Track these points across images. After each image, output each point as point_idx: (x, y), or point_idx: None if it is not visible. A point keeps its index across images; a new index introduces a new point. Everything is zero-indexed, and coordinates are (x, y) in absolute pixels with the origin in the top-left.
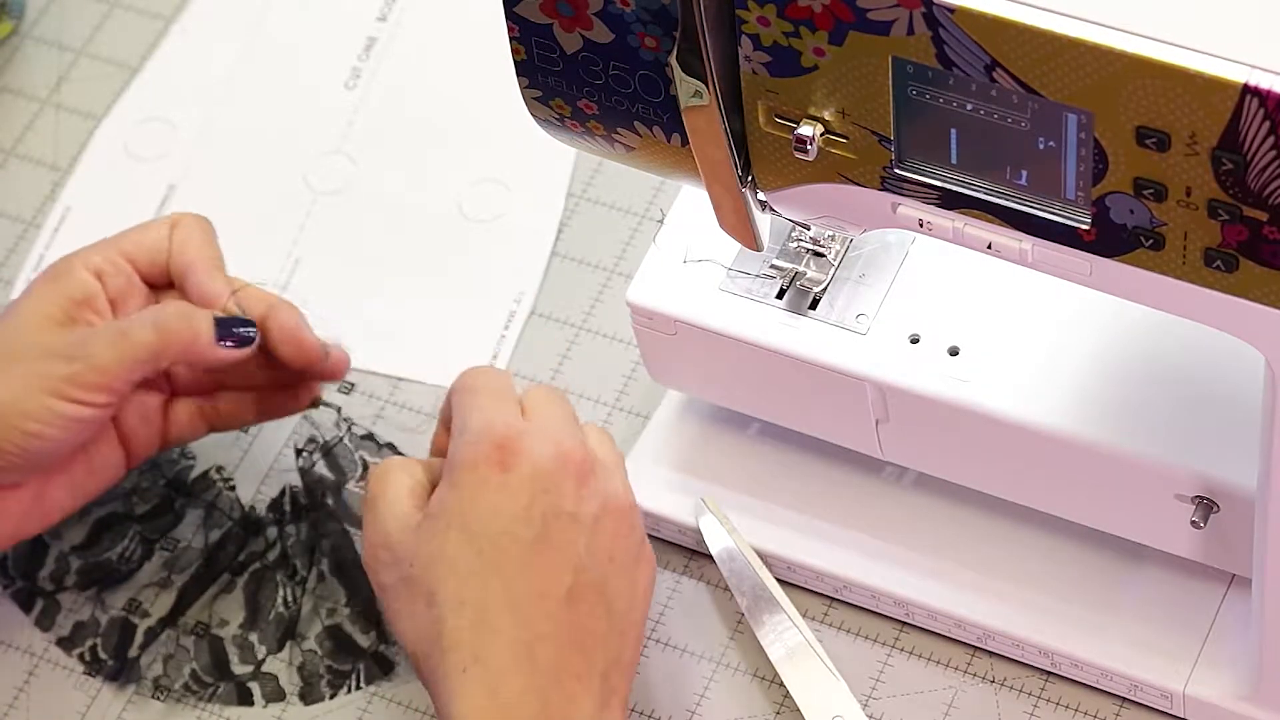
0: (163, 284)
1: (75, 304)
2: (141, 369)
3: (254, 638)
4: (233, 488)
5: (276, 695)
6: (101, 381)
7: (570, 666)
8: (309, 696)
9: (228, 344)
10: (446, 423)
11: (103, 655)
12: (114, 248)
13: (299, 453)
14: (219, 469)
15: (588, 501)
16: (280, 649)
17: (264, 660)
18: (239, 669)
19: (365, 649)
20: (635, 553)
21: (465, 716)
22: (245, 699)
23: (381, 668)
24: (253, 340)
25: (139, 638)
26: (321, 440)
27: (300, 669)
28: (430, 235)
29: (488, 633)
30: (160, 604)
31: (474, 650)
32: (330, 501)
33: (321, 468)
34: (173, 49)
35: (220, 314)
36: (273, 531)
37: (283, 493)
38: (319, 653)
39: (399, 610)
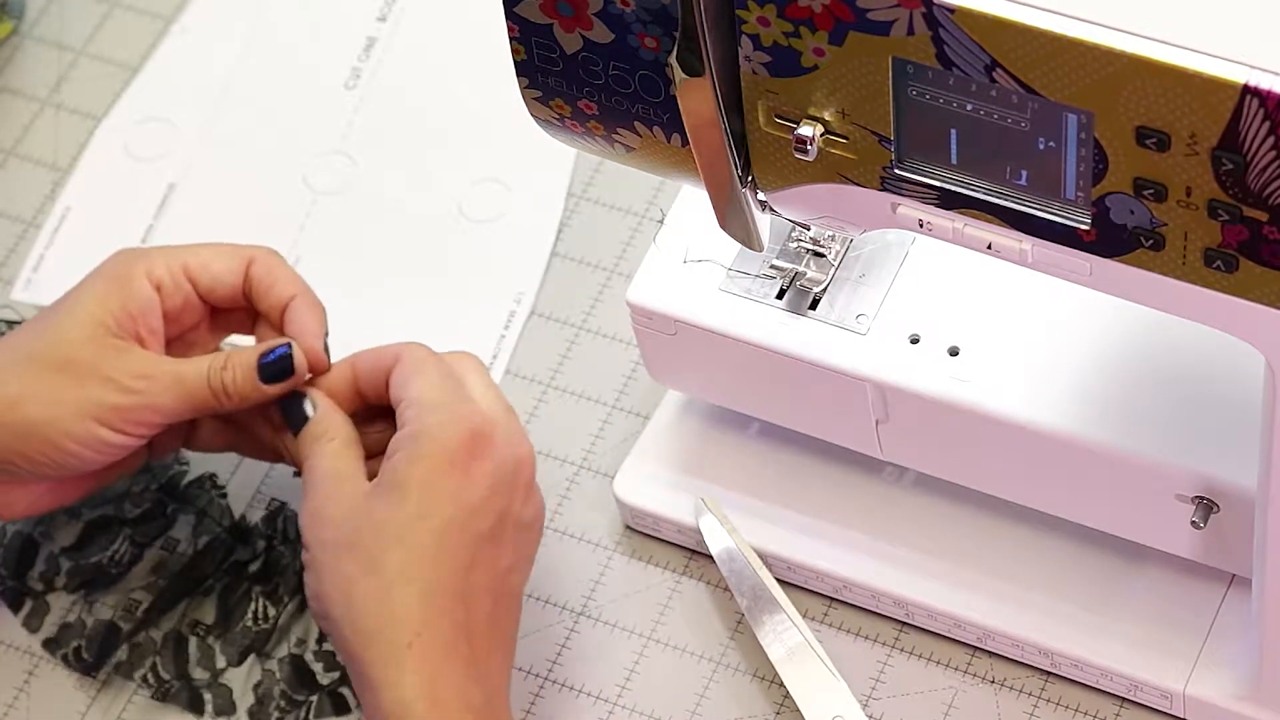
0: (218, 308)
1: (130, 316)
2: (193, 414)
3: (218, 646)
4: (224, 495)
5: (226, 709)
6: (152, 420)
7: (496, 663)
8: (258, 716)
9: (275, 385)
10: (344, 383)
11: (86, 657)
12: (179, 261)
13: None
14: (212, 476)
15: (527, 508)
16: (240, 663)
17: (223, 671)
18: (198, 675)
19: (324, 685)
20: (531, 561)
21: (405, 693)
22: (196, 705)
23: (335, 707)
24: (294, 371)
25: (122, 639)
26: None
27: (256, 687)
28: (430, 235)
29: (434, 612)
30: (145, 606)
31: (419, 626)
32: None
33: None
34: (173, 49)
35: (266, 356)
36: (261, 544)
37: (279, 511)
38: (277, 675)
39: (332, 572)
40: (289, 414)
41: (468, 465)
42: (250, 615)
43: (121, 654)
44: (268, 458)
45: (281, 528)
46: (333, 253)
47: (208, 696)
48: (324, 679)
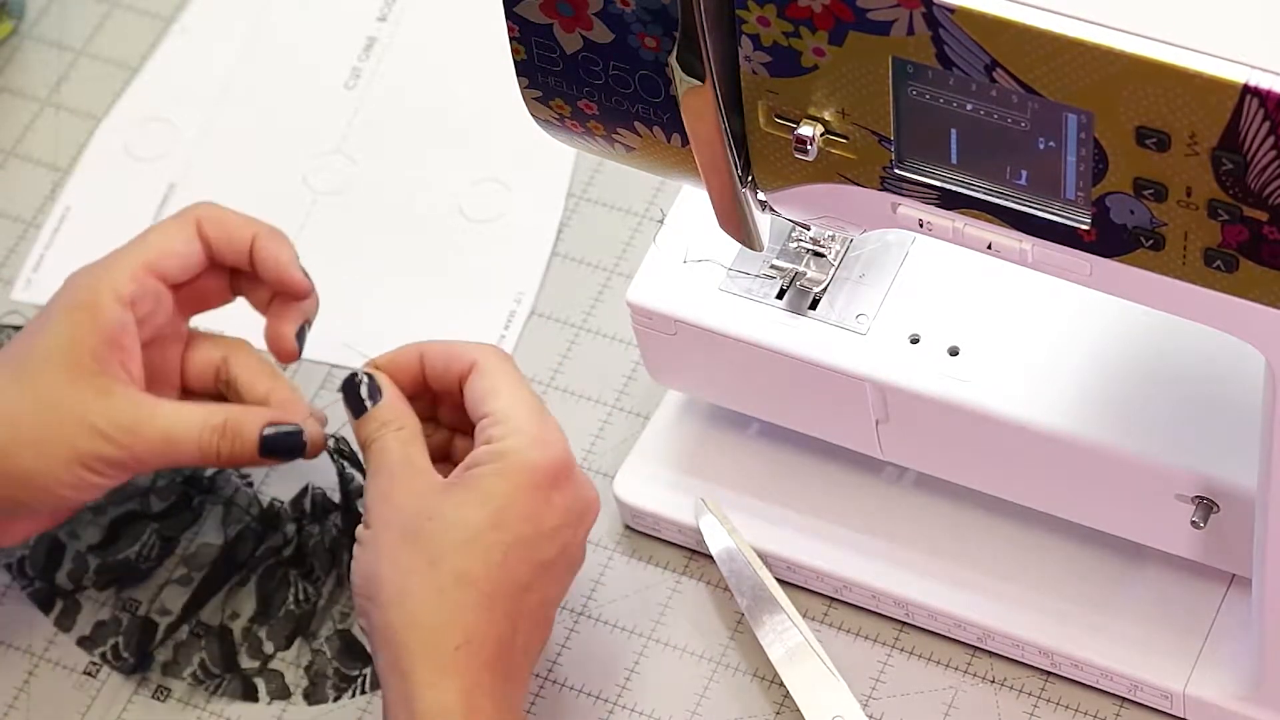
0: (192, 284)
1: (107, 347)
2: (184, 465)
3: (263, 633)
4: (250, 484)
5: (281, 693)
6: (140, 469)
7: (522, 677)
8: (313, 696)
9: (272, 457)
10: (411, 372)
11: (124, 654)
12: (140, 263)
13: (333, 454)
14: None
15: (580, 551)
16: (289, 646)
17: (271, 656)
18: (246, 663)
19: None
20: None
21: (445, 696)
22: (250, 694)
23: None
24: (302, 452)
25: (160, 635)
26: (350, 447)
27: (308, 668)
28: (430, 235)
29: (486, 623)
30: (180, 601)
31: (469, 633)
32: (360, 506)
33: (351, 471)
34: (173, 49)
35: (271, 429)
36: (291, 528)
37: (305, 491)
38: (327, 654)
39: (392, 558)
40: (349, 395)
41: (549, 493)
42: (291, 599)
43: (166, 653)
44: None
45: (309, 508)
46: (333, 253)
47: (260, 683)
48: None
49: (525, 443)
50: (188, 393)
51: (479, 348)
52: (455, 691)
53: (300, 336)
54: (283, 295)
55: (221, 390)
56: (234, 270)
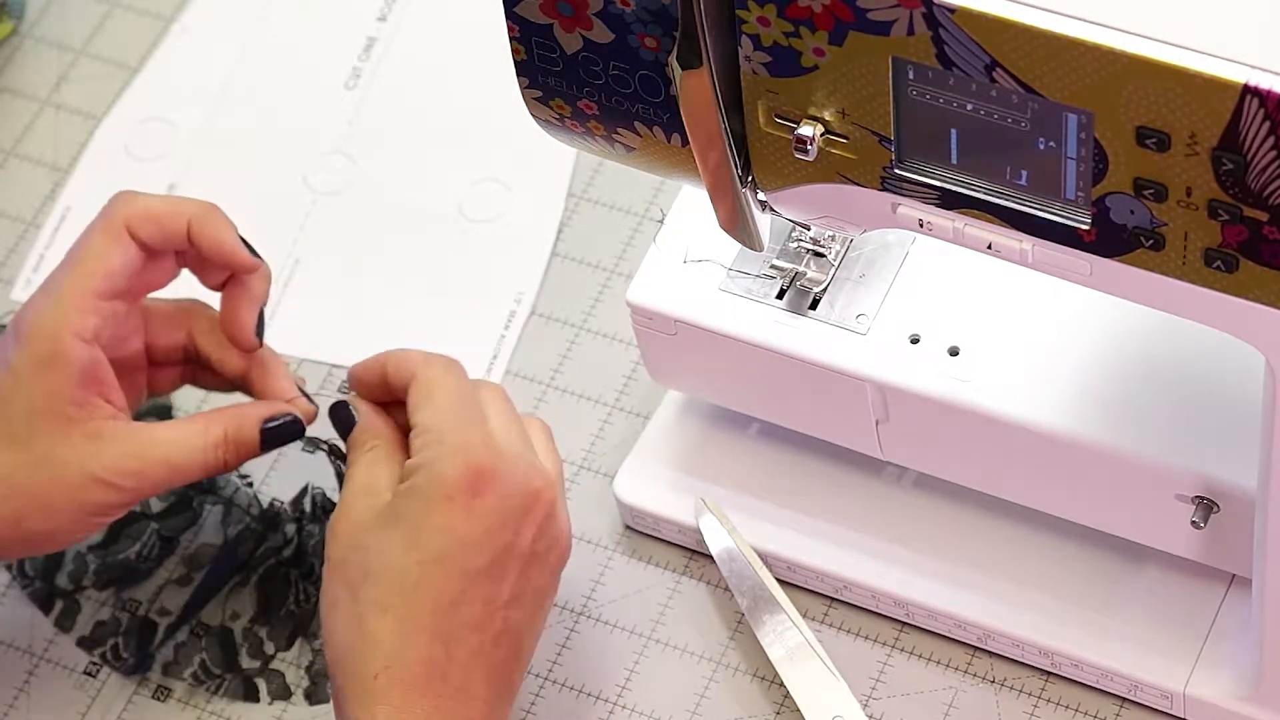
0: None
1: (84, 388)
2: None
3: (264, 633)
4: (250, 484)
5: (282, 693)
6: (149, 495)
7: (477, 694)
8: (315, 696)
9: (271, 447)
10: (386, 380)
11: (124, 654)
12: (88, 294)
13: (330, 455)
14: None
15: (539, 542)
16: (289, 647)
17: (273, 657)
18: (247, 663)
19: None
20: (553, 586)
21: (373, 717)
22: (251, 694)
23: None
24: (302, 436)
25: (159, 635)
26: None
27: (309, 668)
28: (430, 235)
29: (405, 646)
30: (179, 601)
31: (387, 659)
32: None
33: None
34: (173, 49)
35: (270, 424)
36: (291, 528)
37: (304, 491)
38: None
39: (325, 589)
40: (335, 423)
41: (468, 502)
42: (292, 599)
43: (167, 654)
44: (226, 388)
45: (309, 509)
46: (333, 253)
47: (261, 683)
48: None
49: (437, 454)
50: (157, 365)
51: (424, 358)
52: (382, 717)
53: (259, 327)
54: (232, 275)
55: (193, 360)
56: (177, 250)
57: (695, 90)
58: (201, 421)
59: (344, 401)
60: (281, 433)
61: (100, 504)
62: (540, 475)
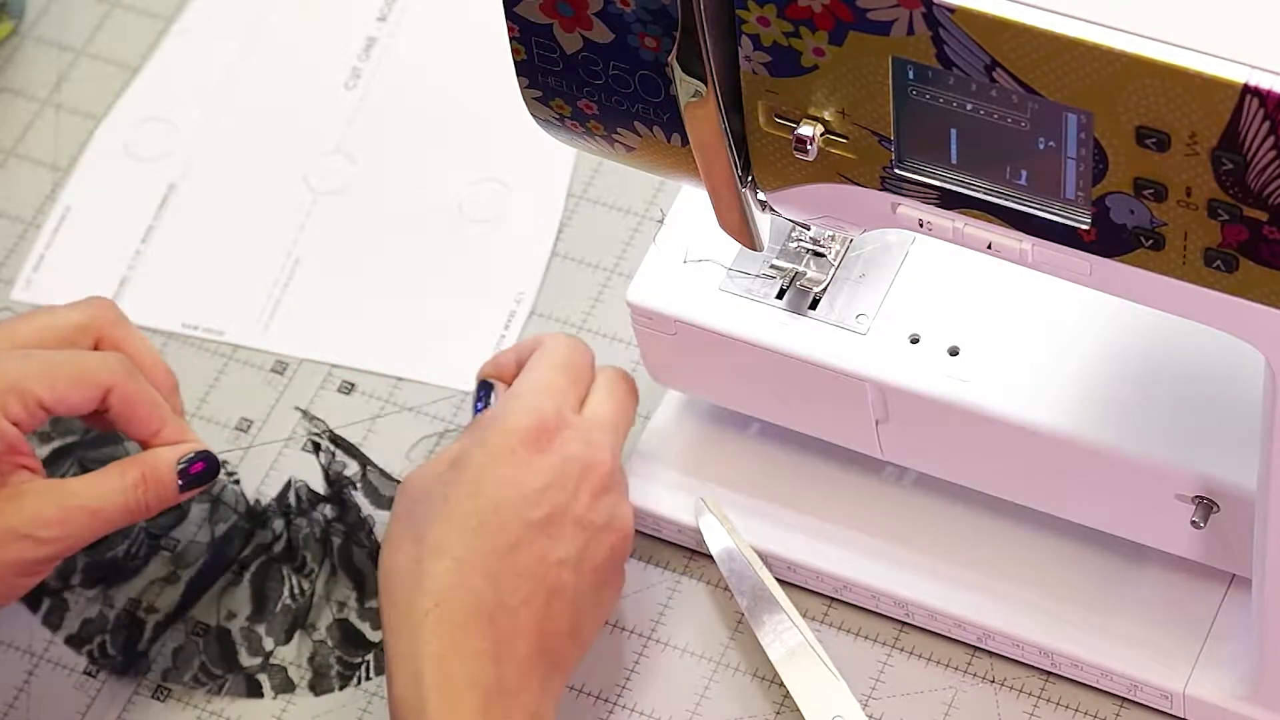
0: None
1: (3, 456)
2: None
3: (261, 630)
4: (237, 481)
5: (285, 686)
6: (75, 548)
7: (524, 651)
8: (319, 687)
9: (195, 486)
10: (519, 360)
11: (111, 651)
12: (32, 397)
13: (315, 447)
14: (223, 463)
15: (596, 512)
16: (288, 640)
17: (272, 652)
18: (247, 661)
19: (375, 643)
20: (614, 575)
21: (418, 663)
22: (254, 690)
23: None
24: (216, 475)
25: (147, 633)
26: (332, 433)
27: (311, 659)
28: (430, 235)
29: (457, 585)
30: (167, 599)
31: (439, 596)
32: (347, 496)
33: (342, 460)
34: (173, 49)
35: (183, 462)
36: (279, 524)
37: (288, 486)
38: (329, 643)
39: (388, 538)
40: (479, 400)
41: (529, 456)
42: (286, 593)
43: (165, 660)
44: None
45: (294, 503)
46: (333, 253)
47: (263, 679)
48: (373, 636)
49: (511, 409)
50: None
51: (551, 334)
52: (428, 656)
53: (184, 475)
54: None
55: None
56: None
57: (695, 94)
58: (117, 467)
59: (488, 380)
60: (195, 468)
61: (23, 561)
62: (603, 452)
